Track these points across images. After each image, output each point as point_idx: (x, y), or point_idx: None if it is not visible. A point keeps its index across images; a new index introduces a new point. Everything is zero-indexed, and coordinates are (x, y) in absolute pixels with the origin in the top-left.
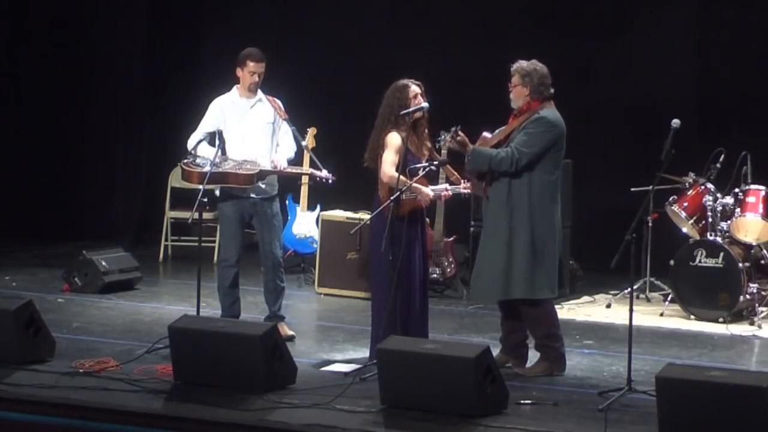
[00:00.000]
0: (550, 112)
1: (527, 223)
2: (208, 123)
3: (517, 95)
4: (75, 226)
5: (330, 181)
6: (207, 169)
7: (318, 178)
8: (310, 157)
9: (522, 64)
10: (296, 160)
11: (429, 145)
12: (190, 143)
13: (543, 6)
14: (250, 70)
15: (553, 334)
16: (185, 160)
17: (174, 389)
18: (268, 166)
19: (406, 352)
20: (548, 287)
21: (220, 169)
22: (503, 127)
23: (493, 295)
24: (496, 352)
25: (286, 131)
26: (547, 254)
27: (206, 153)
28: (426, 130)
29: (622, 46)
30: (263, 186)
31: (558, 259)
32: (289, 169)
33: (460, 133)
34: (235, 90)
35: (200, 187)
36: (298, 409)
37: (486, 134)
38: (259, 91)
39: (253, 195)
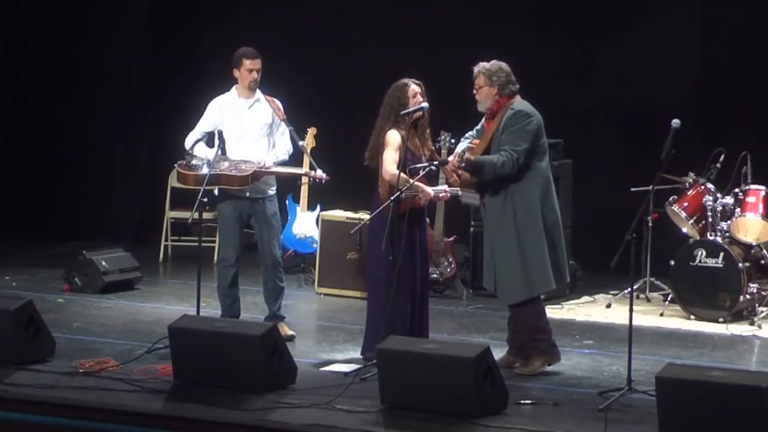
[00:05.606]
0: (522, 104)
1: (533, 216)
2: (206, 123)
3: (485, 96)
4: (75, 226)
5: (323, 181)
6: (204, 171)
7: (312, 178)
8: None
9: (485, 65)
10: (294, 161)
11: (431, 145)
12: (188, 143)
13: (543, 6)
14: (247, 68)
15: (541, 327)
16: (181, 162)
17: (174, 389)
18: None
19: (406, 352)
20: (559, 274)
21: (216, 170)
22: (480, 139)
23: (517, 296)
24: (497, 352)
25: (282, 132)
26: (557, 239)
27: (203, 153)
28: (428, 130)
29: (622, 46)
30: (261, 186)
31: (562, 243)
32: (283, 170)
33: (466, 155)
34: (234, 90)
35: (199, 187)
36: (298, 409)
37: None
38: (258, 92)
39: (250, 195)
